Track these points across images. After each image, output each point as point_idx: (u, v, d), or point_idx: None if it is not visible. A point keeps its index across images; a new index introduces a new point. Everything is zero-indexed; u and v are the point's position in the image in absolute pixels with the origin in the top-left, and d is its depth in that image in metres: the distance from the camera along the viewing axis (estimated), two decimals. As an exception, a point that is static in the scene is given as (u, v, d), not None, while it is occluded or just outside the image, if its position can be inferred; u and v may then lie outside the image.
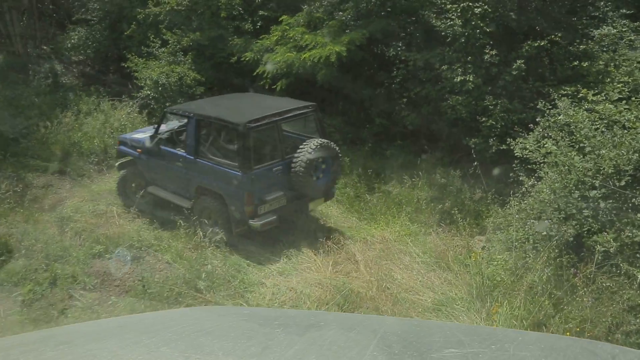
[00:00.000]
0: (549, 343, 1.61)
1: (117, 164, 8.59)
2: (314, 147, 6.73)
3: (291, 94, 12.47)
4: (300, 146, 6.78)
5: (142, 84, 11.98)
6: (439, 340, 1.51)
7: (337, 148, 7.27)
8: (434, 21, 9.18)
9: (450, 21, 8.84)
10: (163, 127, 7.86)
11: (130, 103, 12.97)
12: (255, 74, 11.75)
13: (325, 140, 7.01)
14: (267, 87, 12.26)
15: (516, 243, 5.99)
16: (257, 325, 1.65)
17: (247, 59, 12.10)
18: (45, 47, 16.74)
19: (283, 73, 11.62)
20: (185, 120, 7.44)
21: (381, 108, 11.10)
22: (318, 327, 1.60)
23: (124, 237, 7.70)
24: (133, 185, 8.24)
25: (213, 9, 13.08)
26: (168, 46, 12.65)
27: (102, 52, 15.25)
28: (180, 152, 7.34)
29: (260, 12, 13.26)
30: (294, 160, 6.70)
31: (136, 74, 12.16)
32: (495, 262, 5.84)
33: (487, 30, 8.52)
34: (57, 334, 1.74)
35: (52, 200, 9.52)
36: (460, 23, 8.66)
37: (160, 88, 12.08)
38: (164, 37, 12.72)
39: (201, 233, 6.88)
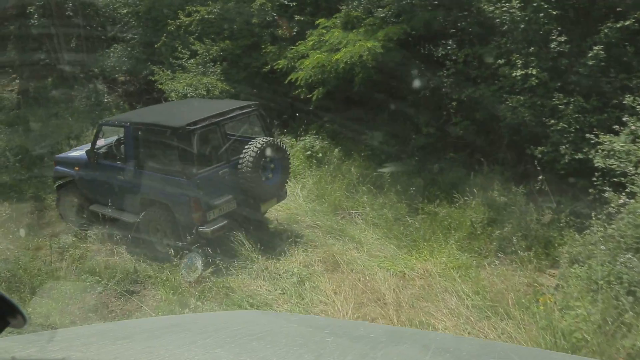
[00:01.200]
0: None
1: (55, 185, 8.11)
2: (259, 145, 6.40)
3: (329, 103, 11.28)
4: (246, 146, 6.44)
5: (170, 98, 11.12)
6: None
7: (285, 146, 7.11)
8: (485, 6, 7.62)
9: (506, 3, 7.26)
10: (101, 142, 7.41)
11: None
12: (286, 81, 10.60)
13: (271, 139, 6.69)
14: (302, 98, 11.11)
15: (602, 282, 4.35)
16: (308, 333, 1.68)
17: (280, 66, 11.00)
18: (95, 69, 16.46)
19: (318, 81, 10.41)
20: (123, 131, 7.01)
21: (429, 116, 9.61)
22: (369, 339, 1.58)
23: (122, 266, 6.69)
24: (74, 205, 7.76)
25: (245, 16, 12.11)
26: (197, 57, 11.77)
27: (138, 68, 14.70)
28: (120, 164, 6.97)
29: (297, 17, 12.14)
30: (240, 161, 6.38)
31: (160, 86, 11.33)
32: (574, 312, 4.21)
33: (553, 12, 6.90)
34: (116, 329, 1.83)
35: (64, 224, 8.69)
36: (519, 5, 7.08)
37: (188, 102, 11.19)
38: (193, 47, 11.86)
39: (199, 265, 5.71)
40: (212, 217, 6.26)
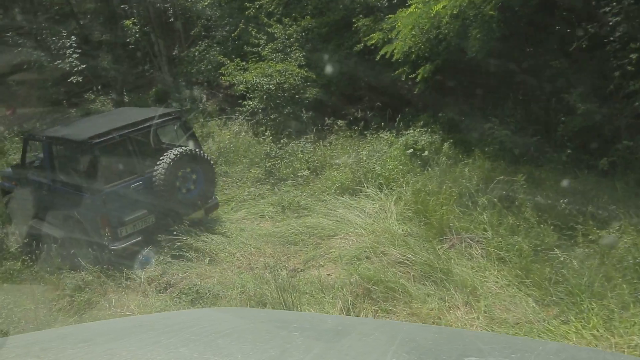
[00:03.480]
0: (570, 354, 1.50)
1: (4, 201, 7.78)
2: (172, 157, 6.01)
3: (440, 84, 8.52)
4: (160, 158, 6.05)
5: (238, 92, 9.23)
6: (458, 347, 1.46)
7: (206, 154, 6.65)
8: None
9: None
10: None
11: (240, 119, 10.38)
12: (378, 57, 8.04)
13: (188, 148, 6.23)
14: (403, 79, 8.49)
15: None
16: (275, 328, 1.65)
17: (374, 41, 8.46)
18: (201, 76, 15.43)
19: (421, 53, 7.74)
20: (41, 146, 6.81)
21: (588, 86, 6.41)
22: (336, 332, 1.59)
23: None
24: (19, 221, 7.36)
25: (333, -15, 9.79)
26: (275, 41, 9.69)
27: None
28: (43, 179, 6.69)
29: (398, -21, 9.50)
30: (154, 174, 5.99)
31: (225, 78, 9.45)
32: None
33: None
34: (77, 332, 1.77)
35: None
36: None
37: (264, 96, 9.15)
38: (269, 30, 9.80)
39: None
40: (124, 233, 5.89)
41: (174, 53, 15.97)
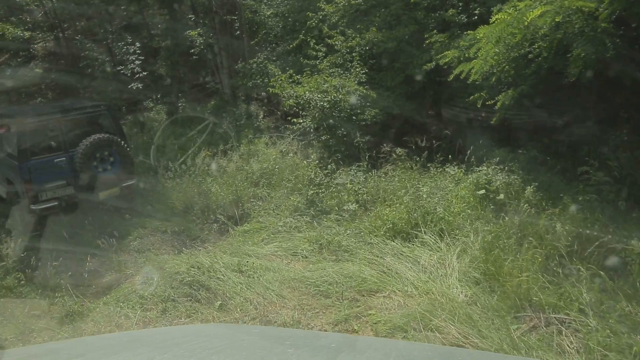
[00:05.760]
0: None
1: None
2: (90, 141, 7.15)
3: (523, 116, 7.16)
4: (82, 141, 7.18)
5: (285, 107, 8.23)
6: None
7: (123, 142, 7.56)
8: None
9: None
10: None
11: (290, 139, 9.37)
12: (451, 78, 6.78)
13: (106, 135, 7.36)
14: (479, 106, 7.17)
15: None
16: (269, 345, 1.63)
17: (448, 59, 7.21)
18: (258, 90, 14.72)
19: (504, 74, 6.43)
20: None
21: None
22: (329, 349, 1.57)
23: None
24: None
25: (404, -4, 8.64)
26: (335, 54, 8.62)
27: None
28: None
29: (480, -5, 8.24)
30: (74, 153, 7.16)
31: (272, 90, 8.46)
32: None
33: None
34: (70, 347, 1.78)
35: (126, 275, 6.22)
36: None
37: (317, 114, 8.09)
38: (330, 42, 8.76)
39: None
40: (44, 197, 6.96)
41: (236, 67, 15.37)
